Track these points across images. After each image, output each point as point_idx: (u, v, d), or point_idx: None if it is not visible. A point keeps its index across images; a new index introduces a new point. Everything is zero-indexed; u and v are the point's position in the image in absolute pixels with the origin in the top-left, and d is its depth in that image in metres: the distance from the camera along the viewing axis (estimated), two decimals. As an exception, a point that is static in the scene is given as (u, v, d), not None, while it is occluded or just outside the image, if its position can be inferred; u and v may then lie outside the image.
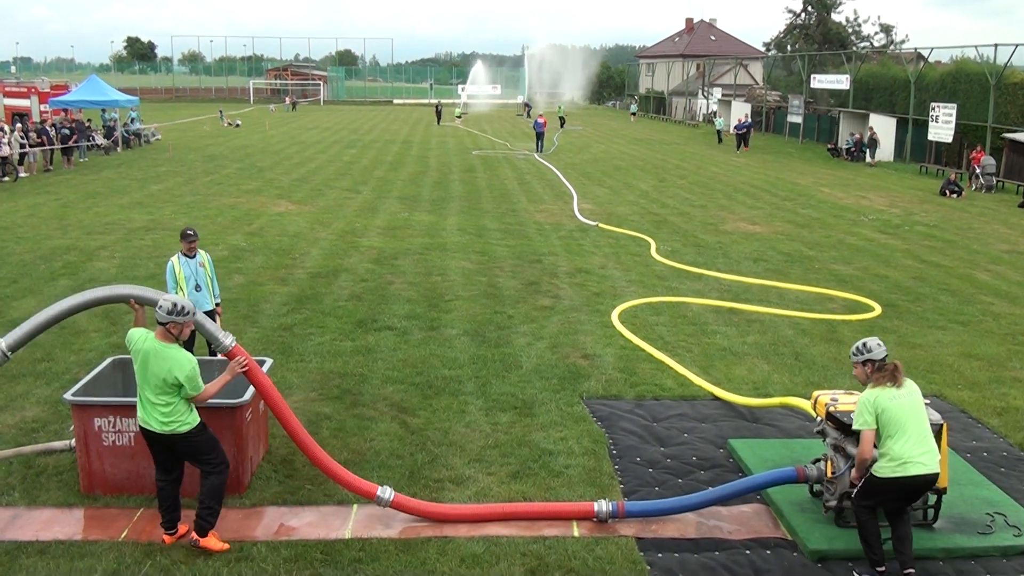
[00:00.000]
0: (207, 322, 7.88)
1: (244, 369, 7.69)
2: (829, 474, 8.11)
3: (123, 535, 7.72)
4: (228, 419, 8.27)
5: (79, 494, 8.40)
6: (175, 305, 7.33)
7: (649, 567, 7.43)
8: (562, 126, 66.04)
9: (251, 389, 8.42)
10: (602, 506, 8.10)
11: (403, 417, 10.36)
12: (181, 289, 10.82)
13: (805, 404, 9.68)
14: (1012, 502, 8.63)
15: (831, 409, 8.15)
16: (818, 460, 8.41)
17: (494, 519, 8.07)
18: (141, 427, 7.48)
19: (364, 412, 10.44)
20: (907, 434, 7.13)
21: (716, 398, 11.25)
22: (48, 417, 10.17)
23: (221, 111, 68.93)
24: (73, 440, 8.49)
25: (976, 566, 7.60)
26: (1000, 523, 8.18)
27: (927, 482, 7.22)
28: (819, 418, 8.47)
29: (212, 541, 7.54)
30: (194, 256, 10.93)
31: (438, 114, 72.65)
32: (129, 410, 8.24)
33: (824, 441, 8.32)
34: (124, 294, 7.86)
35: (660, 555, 7.63)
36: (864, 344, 7.51)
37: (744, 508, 8.53)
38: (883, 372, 7.31)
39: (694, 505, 8.29)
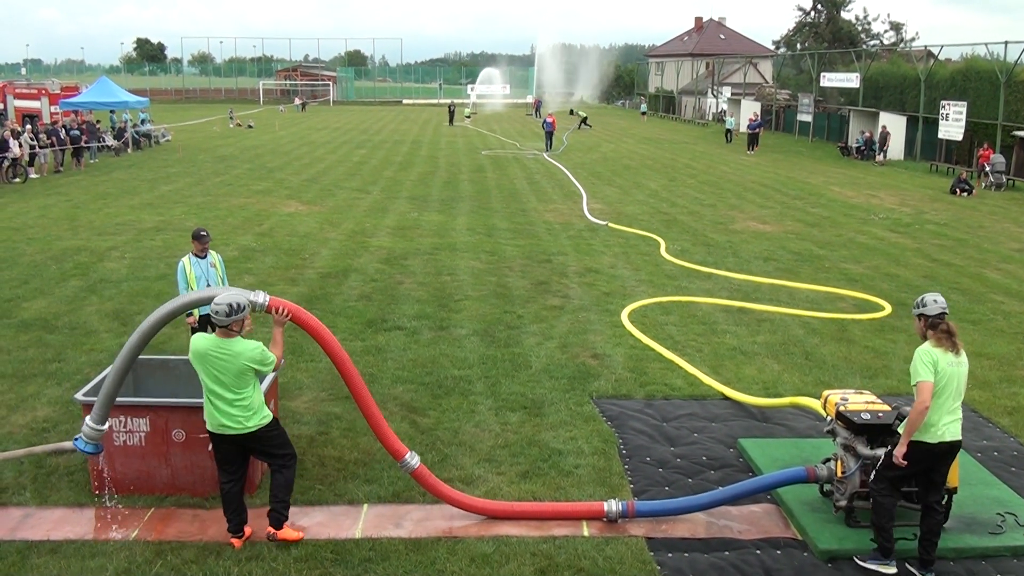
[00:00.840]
0: (238, 294, 7.78)
1: (288, 317, 7.68)
2: (839, 474, 8.09)
3: (134, 534, 7.75)
4: (238, 419, 8.27)
5: (90, 494, 8.43)
6: (231, 306, 7.36)
7: (659, 567, 7.42)
8: (581, 126, 65.83)
9: (262, 388, 8.44)
10: (612, 506, 8.10)
11: (413, 417, 10.37)
12: (192, 289, 10.87)
13: (815, 404, 9.67)
14: (1023, 502, 8.60)
15: (841, 409, 8.13)
16: (828, 460, 8.40)
17: (502, 516, 8.09)
18: (212, 432, 7.52)
19: (374, 412, 10.45)
20: (945, 402, 7.15)
21: (726, 398, 11.23)
22: (59, 417, 10.20)
23: (231, 112, 68.97)
24: (84, 440, 8.51)
25: (987, 566, 7.58)
26: (1011, 523, 8.16)
27: (952, 448, 7.25)
28: (829, 418, 8.45)
29: (288, 532, 7.67)
30: (205, 256, 10.99)
31: (451, 114, 72.15)
32: (140, 410, 8.29)
33: (834, 441, 8.31)
34: (172, 310, 7.79)
35: (670, 555, 7.62)
36: (922, 299, 7.47)
37: (754, 508, 8.52)
38: (940, 332, 7.23)
39: (704, 505, 8.28)
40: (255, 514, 8.09)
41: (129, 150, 42.26)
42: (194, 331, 11.04)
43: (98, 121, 41.97)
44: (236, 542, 7.65)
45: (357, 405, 8.11)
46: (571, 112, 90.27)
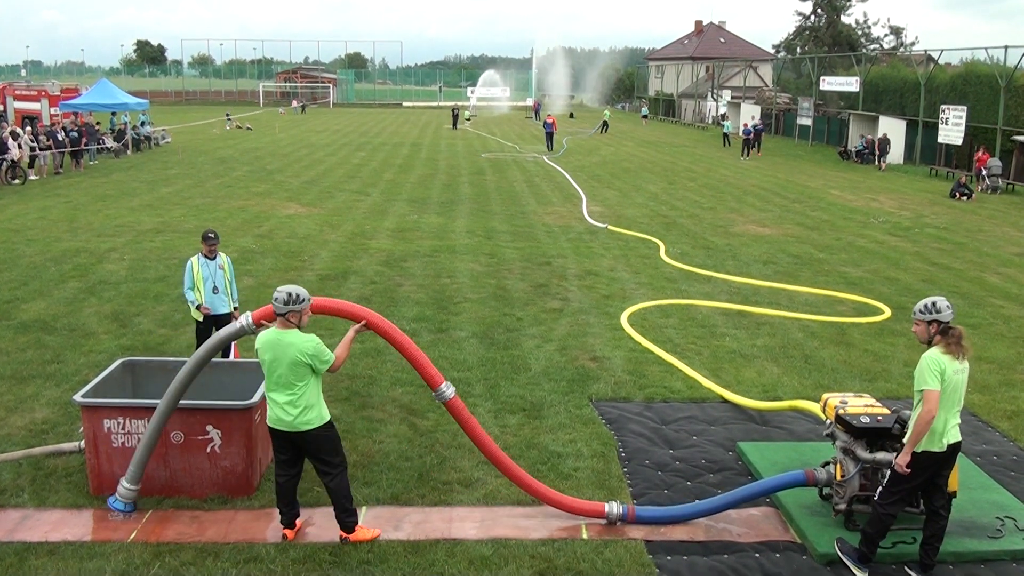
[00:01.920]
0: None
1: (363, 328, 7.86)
2: (839, 477, 8.08)
3: (132, 536, 7.73)
4: (238, 420, 8.28)
5: (88, 495, 8.41)
6: (289, 295, 7.39)
7: (658, 570, 7.41)
8: (603, 129, 65.69)
9: (261, 390, 8.44)
10: (613, 508, 8.09)
11: (412, 419, 10.36)
12: (198, 289, 10.89)
13: (815, 407, 9.66)
14: (1022, 506, 8.59)
15: (841, 412, 8.12)
16: (828, 463, 8.39)
17: (511, 477, 8.15)
18: (270, 427, 7.58)
19: (373, 414, 10.44)
20: (949, 409, 7.11)
21: (725, 401, 11.23)
22: (58, 418, 10.18)
23: (228, 115, 68.86)
24: (82, 441, 8.52)
25: (986, 570, 7.57)
26: (1010, 527, 8.15)
27: (953, 451, 7.21)
28: (828, 421, 8.45)
29: (362, 532, 7.73)
30: (214, 258, 11.01)
31: (454, 117, 70.69)
32: (138, 412, 8.27)
33: (834, 444, 8.30)
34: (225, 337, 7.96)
35: (669, 558, 7.61)
36: (933, 303, 7.23)
37: (753, 511, 8.51)
38: (950, 339, 7.13)
39: (704, 512, 8.27)
40: (254, 516, 8.10)
41: (128, 152, 42.24)
42: (202, 322, 11.02)
43: (98, 123, 41.96)
44: (288, 534, 7.73)
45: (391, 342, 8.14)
46: (571, 116, 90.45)
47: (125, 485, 7.97)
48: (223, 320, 11.07)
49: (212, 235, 11.06)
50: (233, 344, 10.99)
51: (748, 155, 47.71)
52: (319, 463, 7.64)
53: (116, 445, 8.31)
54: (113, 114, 44.80)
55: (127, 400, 8.78)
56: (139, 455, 7.92)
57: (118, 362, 9.36)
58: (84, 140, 36.66)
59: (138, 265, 18.04)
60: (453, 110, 73.08)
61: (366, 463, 9.15)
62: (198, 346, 10.94)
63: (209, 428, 8.26)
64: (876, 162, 43.83)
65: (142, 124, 46.95)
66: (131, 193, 28.78)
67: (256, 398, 8.33)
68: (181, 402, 8.08)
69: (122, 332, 13.51)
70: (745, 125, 51.70)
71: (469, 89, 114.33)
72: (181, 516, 8.09)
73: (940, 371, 6.98)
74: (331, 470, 7.61)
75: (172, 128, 56.23)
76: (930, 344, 7.20)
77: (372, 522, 8.02)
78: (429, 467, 9.10)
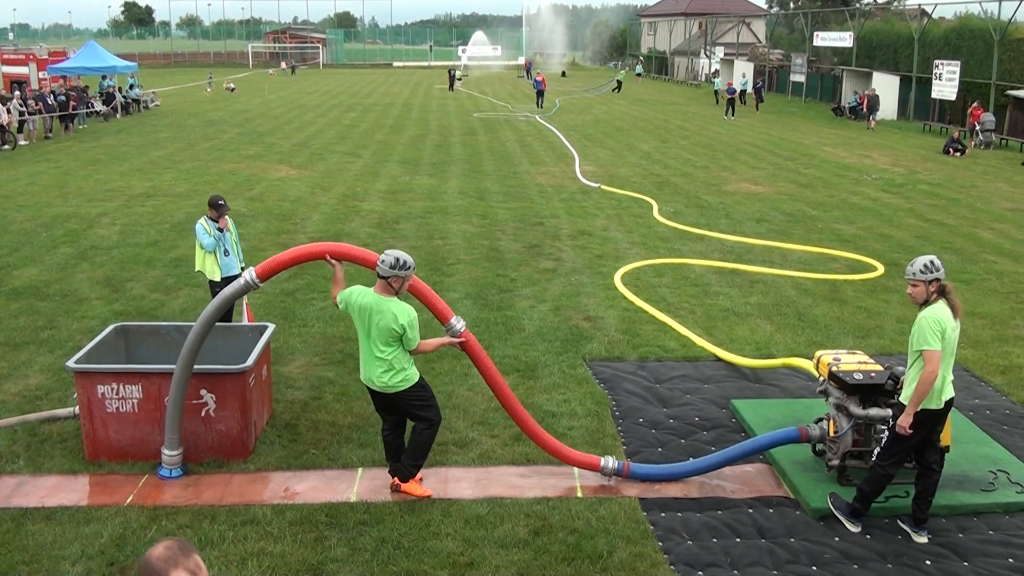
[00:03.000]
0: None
1: (460, 341, 7.90)
2: (832, 433, 8.12)
3: (128, 500, 7.76)
4: (232, 384, 8.28)
5: (84, 461, 8.42)
6: (397, 260, 7.42)
7: (652, 526, 7.46)
8: (618, 89, 64.93)
9: (255, 354, 8.45)
10: (608, 462, 8.14)
11: (406, 381, 10.36)
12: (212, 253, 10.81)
13: (808, 364, 9.68)
14: (1014, 459, 8.66)
15: (834, 369, 8.14)
16: (821, 420, 8.43)
17: (512, 413, 8.15)
18: (366, 385, 7.73)
19: (367, 376, 10.44)
20: (946, 367, 7.13)
21: (719, 359, 11.25)
22: (52, 385, 10.18)
23: (210, 76, 68.04)
24: (77, 407, 8.52)
25: (979, 523, 7.64)
26: (1003, 480, 8.22)
27: (948, 406, 7.24)
28: (822, 378, 8.47)
29: (413, 487, 7.88)
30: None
31: (451, 79, 68.03)
32: (132, 376, 8.27)
33: (827, 401, 8.33)
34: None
35: (663, 515, 7.66)
36: (932, 262, 7.15)
37: (747, 468, 8.56)
38: (946, 295, 7.15)
39: (698, 470, 8.32)
40: (249, 479, 8.13)
41: (118, 115, 41.95)
42: (219, 283, 10.94)
43: (86, 87, 41.60)
44: (395, 481, 7.94)
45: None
46: (563, 74, 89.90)
47: (167, 453, 8.08)
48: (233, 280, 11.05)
49: (222, 202, 10.97)
50: (246, 307, 11.03)
51: (733, 114, 45.90)
52: (415, 418, 7.84)
53: (111, 410, 8.31)
54: (104, 77, 44.42)
55: (120, 366, 8.76)
56: (170, 423, 7.99)
57: (111, 327, 9.33)
58: (73, 104, 36.35)
59: (129, 230, 17.96)
60: (450, 71, 71.26)
61: (361, 424, 9.16)
62: (226, 319, 11.01)
63: (203, 392, 8.26)
64: (867, 120, 42.78)
65: (131, 87, 46.57)
66: (121, 157, 28.60)
67: (250, 362, 8.33)
68: (174, 367, 8.09)
69: (114, 297, 13.48)
70: (729, 84, 49.82)
71: (460, 48, 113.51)
72: (176, 480, 8.11)
73: (941, 331, 6.98)
74: (426, 425, 7.81)
75: (161, 91, 55.81)
76: (927, 303, 7.18)
77: (368, 484, 8.06)
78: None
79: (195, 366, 7.98)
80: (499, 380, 8.11)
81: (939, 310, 7.07)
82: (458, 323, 7.88)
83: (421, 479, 7.99)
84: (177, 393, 7.90)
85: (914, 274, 7.19)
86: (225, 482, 8.08)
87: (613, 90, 64.79)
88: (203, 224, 10.77)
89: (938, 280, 7.17)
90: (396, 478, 7.88)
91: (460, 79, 73.69)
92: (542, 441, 8.17)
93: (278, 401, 9.64)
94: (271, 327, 9.37)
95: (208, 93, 59.23)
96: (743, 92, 52.94)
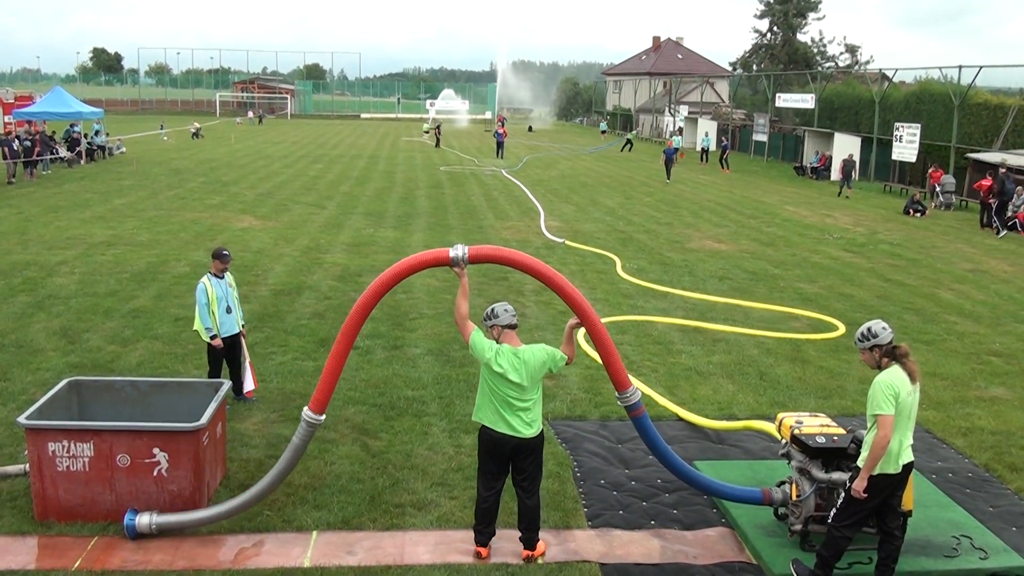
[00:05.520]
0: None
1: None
2: (794, 497, 8.06)
3: (76, 564, 7.51)
4: (186, 442, 8.08)
5: (32, 521, 8.16)
6: (506, 311, 7.83)
7: (613, 594, 7.32)
8: (626, 148, 64.67)
9: (209, 411, 8.27)
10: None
11: (364, 439, 10.20)
12: (213, 313, 10.69)
13: (770, 427, 9.65)
14: (978, 524, 8.63)
15: (796, 432, 8.11)
16: (783, 483, 8.36)
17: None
18: (502, 440, 7.56)
19: (325, 434, 10.24)
20: (903, 431, 7.09)
21: (681, 419, 11.19)
22: (3, 440, 9.90)
23: (162, 125, 67.45)
24: (28, 464, 8.29)
25: (941, 591, 7.57)
26: (966, 546, 8.18)
27: (907, 471, 7.20)
28: (784, 441, 8.42)
29: (541, 546, 7.90)
30: (223, 277, 10.85)
31: (437, 137, 63.62)
32: (83, 434, 8.05)
33: (789, 464, 8.27)
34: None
35: (624, 581, 7.53)
36: (869, 329, 7.26)
37: (709, 532, 8.46)
38: (901, 357, 7.13)
39: (673, 463, 8.23)
40: (200, 542, 7.91)
41: (82, 162, 41.64)
42: (215, 352, 10.82)
43: (53, 132, 41.30)
44: (483, 551, 7.81)
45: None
46: (529, 129, 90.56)
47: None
48: (235, 340, 11.02)
49: (226, 252, 10.91)
50: (250, 369, 10.89)
51: (669, 176, 42.58)
52: (531, 474, 7.71)
53: (61, 469, 8.08)
54: (72, 124, 44.15)
55: (72, 423, 8.55)
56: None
57: (64, 382, 9.11)
58: (37, 149, 36.06)
59: (88, 279, 17.70)
60: (436, 130, 65.89)
61: (317, 485, 8.98)
62: (211, 370, 11.02)
63: (156, 451, 8.06)
64: (840, 190, 39.44)
65: (96, 133, 46.29)
66: (83, 204, 28.32)
67: (204, 420, 8.15)
68: (127, 424, 7.90)
69: (70, 349, 13.23)
70: (670, 144, 47.03)
71: (428, 102, 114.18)
72: (127, 543, 7.87)
73: (894, 395, 6.96)
74: (535, 484, 7.75)
75: (127, 138, 55.51)
76: (879, 368, 7.19)
77: (323, 548, 7.87)
78: (381, 489, 8.95)
79: (148, 424, 7.79)
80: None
81: (893, 374, 7.06)
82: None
83: None
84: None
85: (856, 342, 7.36)
86: (176, 545, 7.85)
87: (623, 148, 64.79)
88: (205, 284, 10.68)
89: (879, 347, 7.19)
90: (529, 550, 7.78)
91: (427, 132, 73.53)
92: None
93: (232, 460, 9.43)
94: (227, 383, 9.21)
95: (166, 142, 58.88)
96: (704, 150, 53.31)
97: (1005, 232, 28.59)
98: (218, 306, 10.79)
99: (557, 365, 7.67)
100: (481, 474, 7.74)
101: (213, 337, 10.78)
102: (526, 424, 7.52)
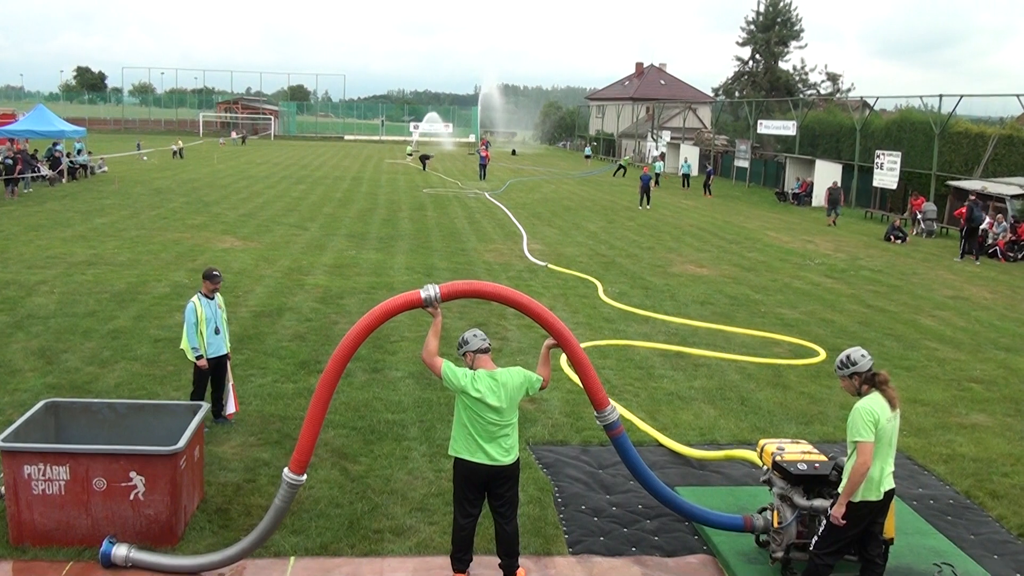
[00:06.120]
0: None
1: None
2: (776, 524, 8.03)
3: (48, 588, 7.41)
4: (162, 467, 7.99)
5: (8, 546, 8.04)
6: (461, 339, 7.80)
7: (593, 622, 7.27)
8: (619, 173, 64.61)
9: (187, 434, 8.19)
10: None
11: (343, 463, 10.12)
12: (201, 334, 10.63)
13: (751, 455, 9.62)
14: (959, 552, 8.61)
15: (778, 459, 8.09)
16: (765, 509, 8.34)
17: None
18: (478, 469, 7.41)
19: (305, 457, 10.16)
20: (884, 457, 7.08)
21: (662, 445, 11.15)
22: (-24, 461, 9.77)
23: (139, 144, 67.20)
24: (3, 488, 8.17)
25: (922, 620, 7.55)
26: (948, 573, 8.16)
27: (888, 498, 7.18)
28: (766, 467, 8.40)
29: (522, 573, 7.82)
30: (213, 298, 10.80)
31: (424, 161, 63.22)
32: (59, 457, 7.95)
33: (771, 491, 8.25)
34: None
35: (604, 609, 7.48)
36: (848, 357, 7.27)
37: (690, 559, 8.42)
38: (881, 384, 7.14)
39: (653, 486, 8.27)
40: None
41: (64, 180, 41.45)
42: (200, 372, 10.75)
43: (35, 151, 41.11)
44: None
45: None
46: (512, 152, 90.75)
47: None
48: (221, 362, 10.95)
49: (217, 273, 10.86)
50: (233, 393, 10.84)
51: (648, 202, 42.08)
52: (509, 500, 7.59)
53: (37, 492, 7.97)
54: (54, 143, 43.97)
55: (48, 445, 8.44)
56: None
57: (41, 403, 9.01)
58: (19, 167, 35.88)
59: (68, 299, 17.57)
60: (423, 156, 64.58)
61: (294, 510, 8.88)
62: (195, 390, 10.92)
63: (132, 475, 7.96)
64: (829, 216, 39.27)
65: (78, 152, 46.13)
66: (64, 223, 28.17)
67: (181, 443, 8.06)
68: (103, 447, 7.79)
69: (48, 369, 13.10)
70: (645, 170, 45.87)
71: (412, 124, 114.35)
72: (102, 569, 7.76)
73: (874, 421, 6.96)
74: (513, 510, 7.63)
75: (110, 157, 55.31)
76: (859, 395, 7.19)
77: (301, 574, 7.78)
78: (360, 514, 8.86)
79: (124, 447, 7.70)
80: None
81: (873, 401, 7.07)
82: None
83: None
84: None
85: (835, 370, 7.37)
86: (152, 573, 7.75)
87: (615, 173, 64.87)
88: (195, 304, 10.64)
89: (858, 374, 7.19)
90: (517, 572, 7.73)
91: (410, 154, 73.48)
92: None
93: (210, 484, 9.33)
94: (205, 406, 9.12)
95: (146, 162, 58.67)
96: (686, 176, 53.54)
97: (973, 258, 29.11)
98: (207, 326, 10.73)
99: (533, 387, 7.61)
100: (457, 502, 7.62)
101: (199, 357, 10.70)
102: (504, 451, 7.40)
